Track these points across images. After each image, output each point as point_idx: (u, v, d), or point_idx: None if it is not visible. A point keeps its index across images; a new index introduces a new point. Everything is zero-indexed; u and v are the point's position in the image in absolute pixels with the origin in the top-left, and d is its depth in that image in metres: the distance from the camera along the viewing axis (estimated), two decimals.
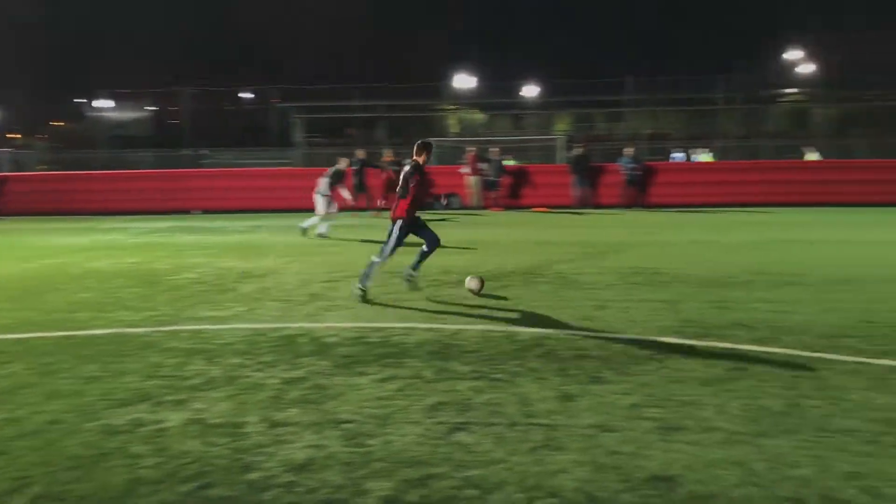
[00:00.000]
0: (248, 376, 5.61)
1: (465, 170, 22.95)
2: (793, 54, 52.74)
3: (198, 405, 4.99)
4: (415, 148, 8.71)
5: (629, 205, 21.92)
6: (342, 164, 16.13)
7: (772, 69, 53.46)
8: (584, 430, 4.45)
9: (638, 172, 22.31)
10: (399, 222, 8.52)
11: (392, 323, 7.29)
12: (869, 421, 4.54)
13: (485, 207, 22.69)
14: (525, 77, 48.81)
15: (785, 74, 52.10)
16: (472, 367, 5.76)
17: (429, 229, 8.80)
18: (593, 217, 19.51)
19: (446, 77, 49.04)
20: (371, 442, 4.32)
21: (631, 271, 10.10)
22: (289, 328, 7.13)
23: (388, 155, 21.91)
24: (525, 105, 48.77)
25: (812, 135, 43.28)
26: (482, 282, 8.71)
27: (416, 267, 9.01)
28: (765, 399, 4.94)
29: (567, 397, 5.04)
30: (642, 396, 5.03)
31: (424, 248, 8.81)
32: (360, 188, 20.73)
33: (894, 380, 5.31)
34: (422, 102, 43.30)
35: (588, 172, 22.55)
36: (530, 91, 48.32)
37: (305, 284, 9.59)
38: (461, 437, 4.38)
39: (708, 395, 5.03)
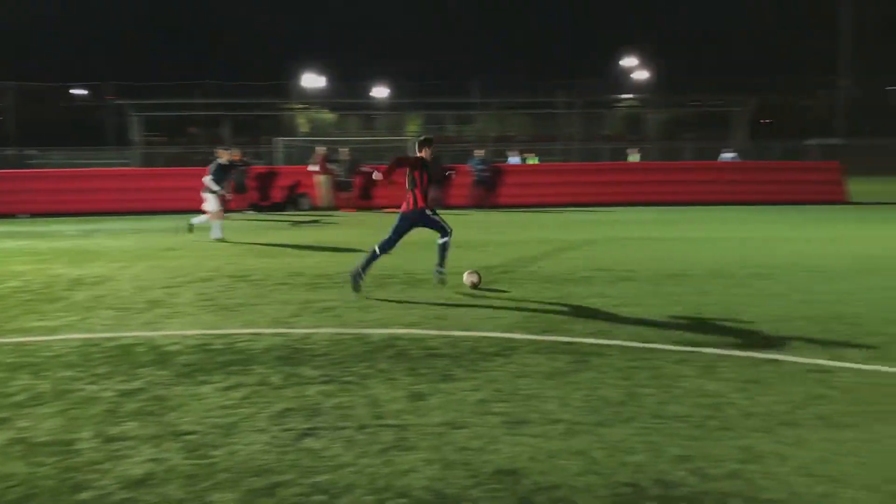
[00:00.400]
0: (80, 390, 5.25)
1: (314, 168, 22.65)
2: (628, 62, 55.72)
3: (22, 423, 4.62)
4: (416, 144, 9.20)
5: (478, 205, 22.40)
6: (223, 157, 15.11)
7: (610, 76, 56.25)
8: (435, 429, 4.48)
9: (486, 174, 22.83)
10: (409, 215, 8.91)
11: (237, 329, 7.06)
12: (698, 406, 4.84)
13: (336, 208, 22.49)
14: (375, 78, 48.85)
15: (622, 81, 54.97)
16: (322, 371, 5.67)
17: (438, 222, 9.12)
18: (444, 217, 19.77)
19: (294, 76, 48.27)
20: (215, 453, 4.15)
21: (481, 270, 10.29)
22: (125, 337, 6.75)
23: (234, 153, 21.13)
24: (375, 106, 48.81)
25: (646, 138, 45.93)
26: (479, 276, 9.05)
27: (442, 264, 9.24)
28: (604, 390, 5.17)
29: (417, 396, 5.06)
30: (490, 392, 5.13)
31: (439, 241, 9.18)
32: (240, 188, 20.87)
33: (721, 367, 5.68)
34: (269, 101, 42.37)
35: (439, 174, 22.84)
36: (380, 92, 48.39)
37: (144, 291, 9.12)
38: (309, 442, 4.29)
39: (551, 388, 5.20)
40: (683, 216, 18.96)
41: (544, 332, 6.80)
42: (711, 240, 13.71)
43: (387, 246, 8.85)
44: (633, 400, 4.97)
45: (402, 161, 8.97)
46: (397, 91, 46.76)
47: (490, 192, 22.83)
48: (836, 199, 22.62)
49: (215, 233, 14.46)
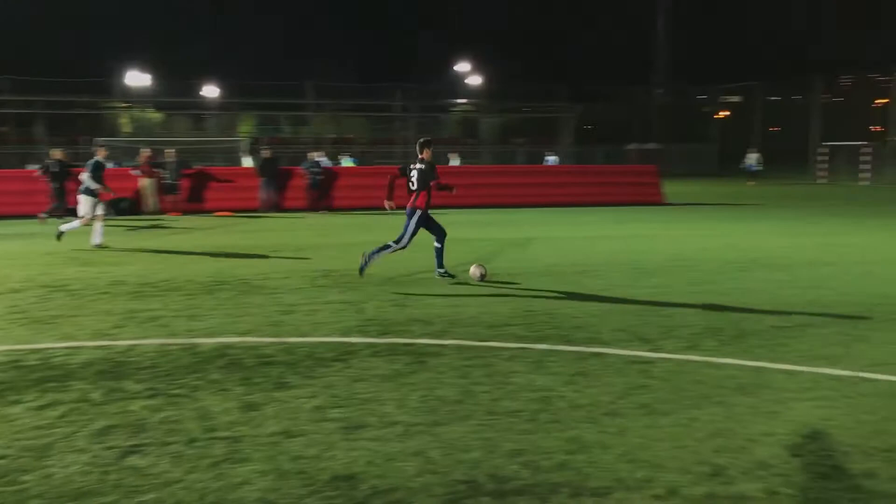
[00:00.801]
0: None
1: (136, 172, 21.49)
2: (462, 67, 56.95)
3: None
4: (418, 147, 9.77)
5: (313, 208, 22.11)
6: (101, 154, 13.70)
7: (446, 80, 57.28)
8: (269, 438, 4.36)
9: (320, 176, 22.58)
10: (418, 212, 9.51)
11: (53, 343, 6.56)
12: (530, 401, 5.00)
13: (162, 212, 21.44)
14: (204, 77, 47.10)
15: (456, 86, 56.11)
16: (147, 384, 5.37)
17: (436, 223, 9.76)
18: (280, 221, 19.35)
19: (118, 73, 45.62)
20: (26, 478, 3.83)
21: (318, 274, 10.16)
22: None
23: (56, 153, 19.53)
24: (205, 105, 47.03)
25: (481, 142, 47.15)
26: (485, 269, 9.61)
27: (441, 265, 9.77)
28: (441, 389, 5.23)
29: (251, 406, 4.91)
30: (327, 398, 5.06)
31: (436, 244, 9.76)
32: (59, 192, 18.50)
33: (550, 362, 5.91)
34: (89, 99, 39.80)
35: (276, 176, 22.36)
36: (210, 91, 46.69)
37: None
38: (134, 460, 4.05)
39: (389, 391, 5.20)
40: (513, 218, 19.59)
41: (382, 334, 6.80)
42: (540, 239, 14.26)
43: (403, 241, 9.57)
44: (469, 398, 5.06)
45: (403, 170, 9.75)
46: (228, 91, 45.30)
47: (324, 195, 22.59)
48: (654, 200, 24.17)
49: (95, 238, 13.26)
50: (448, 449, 4.20)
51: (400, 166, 10.02)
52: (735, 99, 61.88)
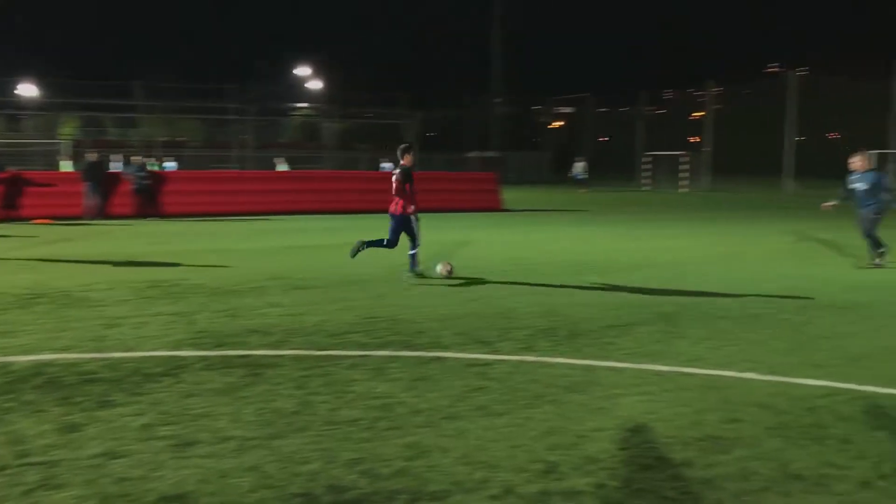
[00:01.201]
0: None
1: None
2: (303, 70, 56.18)
3: None
4: (399, 152, 10.25)
5: (142, 215, 21.01)
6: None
7: (285, 83, 56.27)
8: (90, 461, 4.07)
9: (147, 181, 21.52)
10: (412, 217, 10.13)
11: None
12: (369, 409, 4.97)
13: None
14: (21, 74, 43.70)
15: (297, 89, 55.28)
16: None
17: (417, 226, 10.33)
18: (105, 228, 18.25)
19: None
20: None
21: (146, 284, 9.64)
22: None
23: None
24: (22, 105, 43.63)
25: (322, 147, 46.64)
26: (452, 266, 10.22)
27: (414, 266, 10.29)
28: (278, 401, 5.09)
29: (70, 428, 4.56)
30: (155, 415, 4.80)
31: (389, 236, 10.27)
32: None
33: (391, 368, 5.91)
34: None
35: (102, 181, 21.07)
36: (28, 90, 43.38)
37: None
38: None
39: (223, 405, 5.00)
40: (358, 224, 19.49)
41: (216, 346, 6.54)
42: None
43: (416, 239, 10.26)
44: (306, 409, 4.96)
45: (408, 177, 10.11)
46: (49, 90, 42.23)
47: (151, 201, 21.52)
48: (493, 206, 24.86)
49: None
50: (285, 462, 4.09)
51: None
52: (568, 110, 64.90)
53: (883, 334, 7.23)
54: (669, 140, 47.85)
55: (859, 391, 5.44)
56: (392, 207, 10.13)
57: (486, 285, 9.83)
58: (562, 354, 6.38)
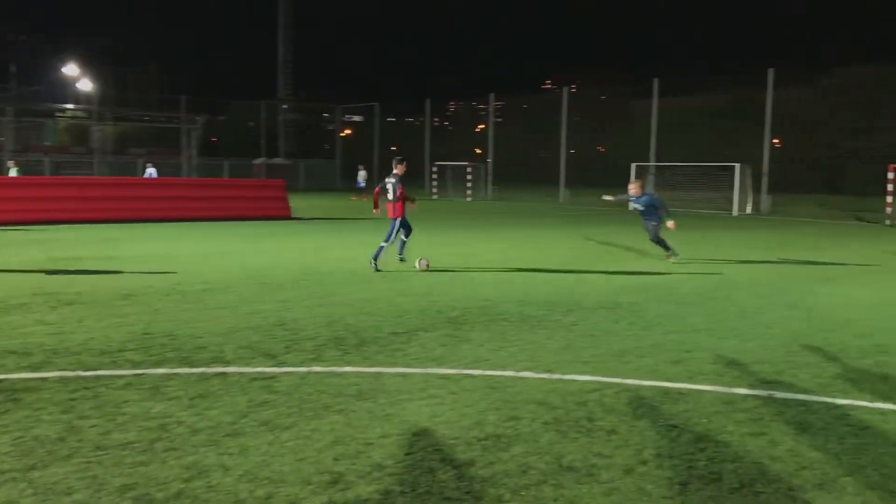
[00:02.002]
0: None
1: None
2: (71, 69, 52.14)
3: None
4: (395, 163, 12.27)
5: None
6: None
7: (51, 83, 51.93)
8: None
9: None
10: (399, 220, 12.09)
11: None
12: (144, 430, 4.66)
13: None
14: None
15: (65, 90, 51.19)
16: None
17: (408, 224, 12.36)
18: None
19: None
20: None
21: None
22: None
23: None
24: None
25: (95, 150, 43.50)
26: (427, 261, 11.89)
27: (401, 251, 12.46)
28: (39, 428, 4.65)
29: None
30: None
31: (403, 237, 12.35)
32: None
33: (169, 386, 5.59)
34: None
35: None
36: None
37: None
38: None
39: None
40: (137, 233, 18.36)
41: None
42: (162, 257, 13.53)
43: (391, 238, 12.19)
44: (72, 434, 4.57)
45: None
46: None
47: None
48: (282, 214, 24.37)
49: None
50: (45, 494, 3.74)
51: (380, 183, 12.51)
52: (357, 118, 65.23)
53: (646, 332, 7.90)
54: (457, 150, 49.57)
55: (624, 384, 5.91)
56: (392, 213, 12.11)
57: (272, 296, 9.61)
58: (350, 363, 6.37)
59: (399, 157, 12.39)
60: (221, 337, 7.22)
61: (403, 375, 6.03)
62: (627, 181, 33.42)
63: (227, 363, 6.29)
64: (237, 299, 9.29)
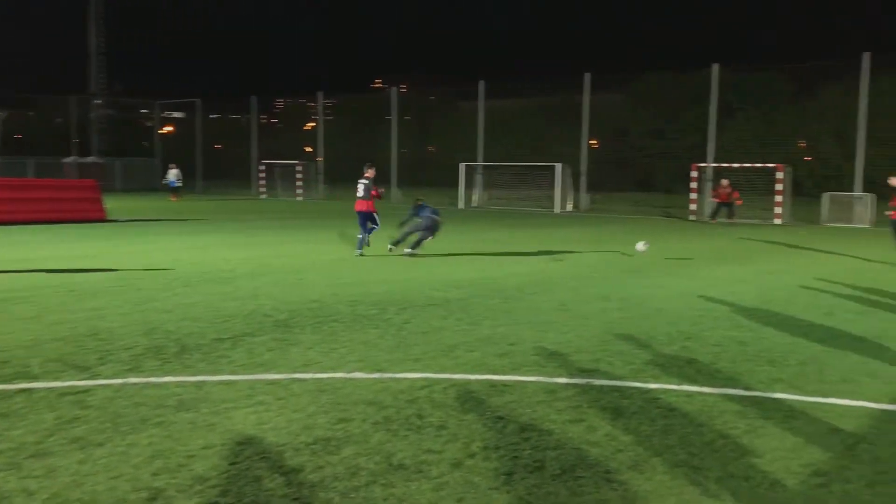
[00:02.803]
0: None
1: None
2: None
3: None
4: (366, 168, 14.55)
5: None
6: None
7: None
8: None
9: None
10: (368, 212, 14.30)
11: None
12: None
13: None
14: None
15: None
16: None
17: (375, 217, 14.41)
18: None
19: None
20: None
21: None
22: None
23: None
24: None
25: None
26: None
27: (365, 242, 14.47)
28: None
29: None
30: None
31: (375, 227, 14.43)
32: None
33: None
34: None
35: None
36: None
37: None
38: None
39: None
40: None
41: None
42: None
43: (370, 231, 14.35)
44: None
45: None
46: None
47: None
48: (96, 216, 22.84)
49: None
50: None
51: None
52: (178, 115, 62.38)
53: (474, 326, 8.08)
54: (287, 149, 48.57)
55: (453, 379, 6.01)
56: (363, 207, 14.26)
57: (83, 304, 8.98)
58: (171, 372, 6.06)
59: (369, 163, 14.73)
60: (26, 350, 6.66)
61: (228, 383, 5.81)
62: (457, 181, 34.29)
63: (34, 378, 5.81)
64: (42, 309, 8.59)
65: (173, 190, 35.47)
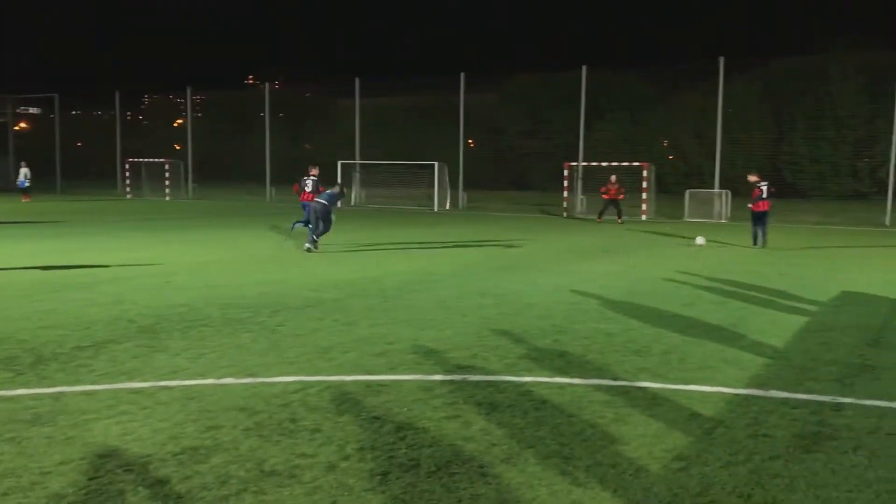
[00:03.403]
0: None
1: None
2: None
3: None
4: (310, 168, 17.16)
5: None
6: None
7: None
8: None
9: None
10: (310, 203, 15.59)
11: None
12: None
13: None
14: None
15: None
16: None
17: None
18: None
19: None
20: None
21: None
22: None
23: None
24: None
25: None
26: None
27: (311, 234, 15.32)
28: None
29: None
30: None
31: (306, 223, 15.79)
32: None
33: None
34: None
35: None
36: None
37: None
38: None
39: None
40: None
41: None
42: None
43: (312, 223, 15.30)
44: None
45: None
46: None
47: None
48: None
49: None
50: None
51: (300, 180, 17.08)
52: (34, 110, 58.70)
53: (350, 327, 8.00)
54: (154, 146, 46.54)
55: (328, 381, 5.92)
56: (309, 198, 16.03)
57: None
58: (25, 385, 5.69)
59: (312, 164, 17.32)
60: None
61: (89, 393, 5.50)
62: (334, 179, 33.94)
63: None
64: None
65: (23, 190, 33.42)
